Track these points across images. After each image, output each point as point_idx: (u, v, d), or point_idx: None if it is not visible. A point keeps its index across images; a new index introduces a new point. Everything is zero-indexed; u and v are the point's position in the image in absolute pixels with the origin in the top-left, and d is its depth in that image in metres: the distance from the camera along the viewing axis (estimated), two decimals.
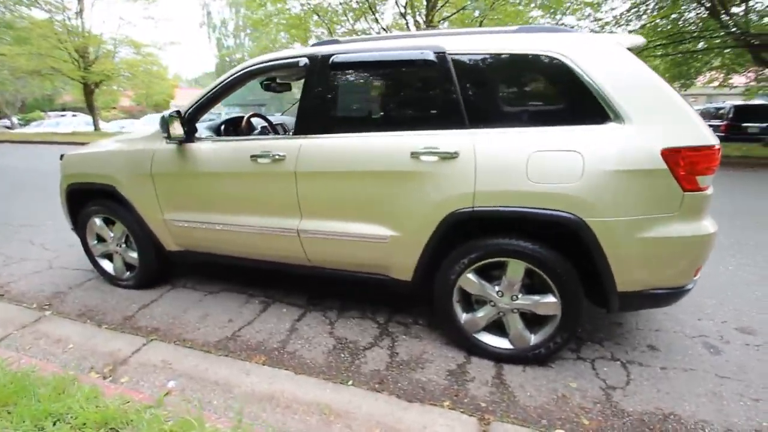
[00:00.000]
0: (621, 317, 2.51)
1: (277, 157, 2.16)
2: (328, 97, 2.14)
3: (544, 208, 1.74)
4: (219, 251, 2.60)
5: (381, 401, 1.84)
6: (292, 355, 2.19)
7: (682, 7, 10.42)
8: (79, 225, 2.93)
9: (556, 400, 1.84)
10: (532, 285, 1.95)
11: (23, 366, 1.98)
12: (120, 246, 2.89)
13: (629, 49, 1.77)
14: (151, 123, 16.66)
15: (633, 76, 1.70)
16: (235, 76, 2.35)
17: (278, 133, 3.15)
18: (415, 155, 1.91)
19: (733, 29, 9.39)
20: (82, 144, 4.33)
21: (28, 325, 2.47)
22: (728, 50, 10.75)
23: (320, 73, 2.13)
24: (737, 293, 2.84)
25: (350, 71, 2.13)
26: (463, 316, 2.09)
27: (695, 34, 10.75)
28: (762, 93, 13.19)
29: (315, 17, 12.34)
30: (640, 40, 1.82)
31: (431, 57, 1.92)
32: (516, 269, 1.90)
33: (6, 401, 1.70)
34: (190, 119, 2.42)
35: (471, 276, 2.00)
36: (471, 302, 2.11)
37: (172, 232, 2.61)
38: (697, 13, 10.59)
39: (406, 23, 11.88)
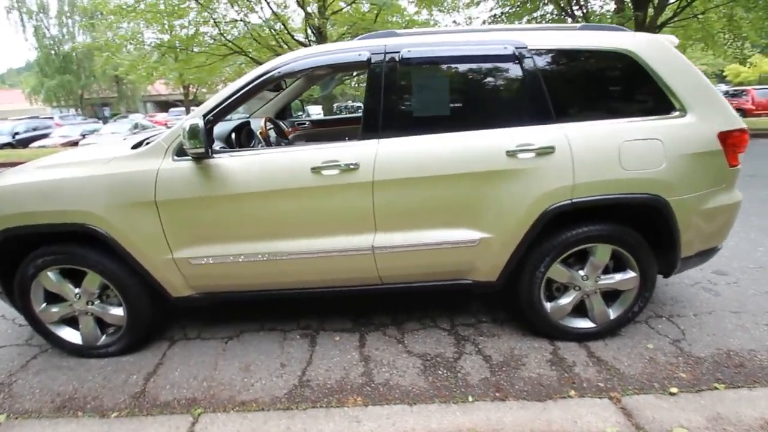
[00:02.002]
0: None
1: (350, 166, 1.86)
2: (402, 94, 1.92)
3: (636, 193, 1.89)
4: (255, 287, 2.14)
5: (517, 408, 1.79)
6: (388, 386, 1.96)
7: None
8: (17, 287, 2.07)
9: (649, 363, 2.05)
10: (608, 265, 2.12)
11: None
12: (91, 303, 2.15)
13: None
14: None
15: (686, 70, 1.95)
16: (271, 74, 1.93)
17: (282, 140, 2.71)
18: (510, 153, 1.87)
19: None
20: None
21: None
22: None
23: (389, 68, 1.90)
24: None
25: (425, 66, 1.94)
26: (548, 306, 2.15)
27: None
28: None
29: (193, 4, 10.79)
30: (676, 40, 2.09)
31: (515, 52, 1.88)
32: (603, 252, 2.03)
33: None
34: (209, 129, 1.90)
35: (560, 266, 2.07)
36: (551, 291, 2.18)
37: (188, 273, 2.05)
38: None
39: (306, 15, 11.26)
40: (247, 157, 1.95)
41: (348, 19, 12.22)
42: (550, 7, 12.38)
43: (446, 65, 1.95)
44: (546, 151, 1.86)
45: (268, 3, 11.33)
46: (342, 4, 11.77)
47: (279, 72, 1.95)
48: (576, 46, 1.92)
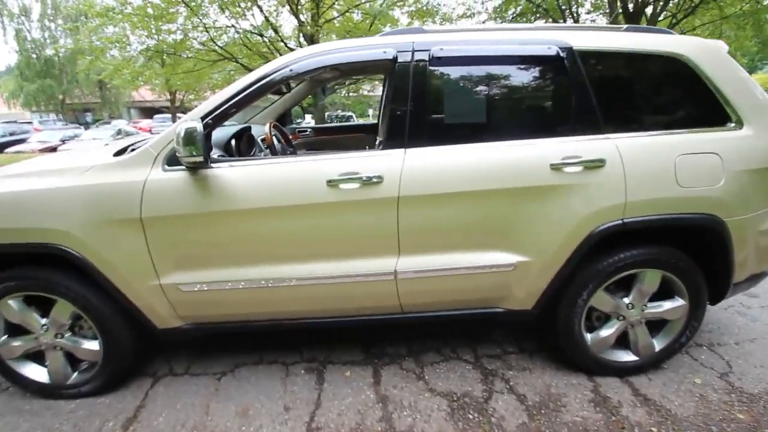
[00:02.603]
0: None
1: (373, 180, 1.61)
2: (432, 98, 1.69)
3: (692, 213, 1.69)
4: (256, 317, 1.85)
5: None
6: None
7: None
8: None
9: (701, 402, 1.82)
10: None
11: None
12: (61, 336, 1.83)
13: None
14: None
15: (741, 78, 1.77)
16: (278, 74, 1.67)
17: (290, 149, 2.44)
18: (555, 167, 1.65)
19: None
20: None
21: None
22: None
23: (417, 68, 1.66)
24: None
25: (457, 67, 1.72)
26: (589, 337, 1.92)
27: None
28: None
29: (182, 8, 10.48)
30: (726, 46, 1.92)
31: (559, 53, 1.68)
32: (653, 278, 1.82)
33: None
34: (207, 134, 1.63)
35: (603, 293, 1.84)
36: (591, 320, 1.95)
37: (177, 301, 1.75)
38: None
39: (299, 23, 11.05)
40: (251, 167, 1.68)
41: (340, 29, 12.08)
42: (541, 23, 12.51)
43: (482, 66, 1.72)
44: (595, 165, 1.65)
45: (260, 9, 11.10)
46: (335, 14, 11.62)
47: (289, 72, 1.70)
48: (625, 48, 1.72)
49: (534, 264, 1.74)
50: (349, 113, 20.70)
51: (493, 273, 1.76)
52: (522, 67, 1.75)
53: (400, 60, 1.67)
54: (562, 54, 1.68)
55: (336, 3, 11.44)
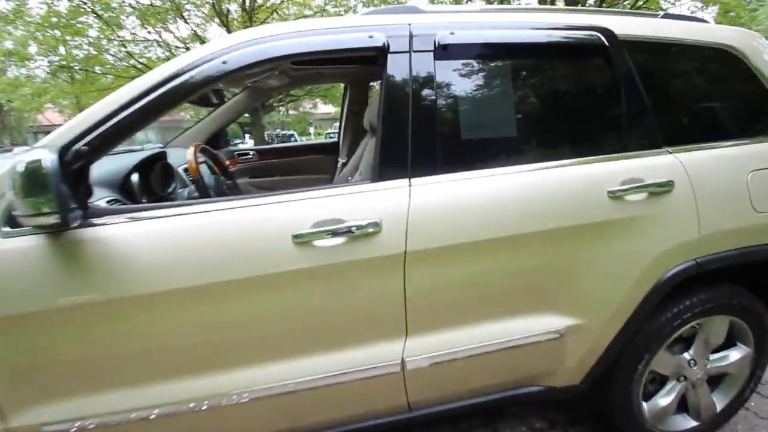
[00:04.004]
0: None
1: (366, 230, 1.04)
2: (441, 105, 1.17)
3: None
4: None
5: None
6: None
7: None
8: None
9: None
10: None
11: None
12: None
13: None
14: None
15: None
16: (207, 67, 1.04)
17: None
18: (614, 195, 1.20)
19: None
20: None
21: None
22: None
23: (420, 61, 1.14)
24: None
25: (474, 60, 1.21)
26: (646, 407, 1.49)
27: None
28: None
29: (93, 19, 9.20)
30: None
31: (603, 42, 1.25)
32: (721, 327, 1.43)
33: None
34: (79, 170, 0.96)
35: (664, 352, 1.42)
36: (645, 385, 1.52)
37: None
38: None
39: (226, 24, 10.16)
40: (164, 221, 1.03)
41: None
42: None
43: (507, 60, 1.24)
44: (663, 190, 1.23)
45: (185, 21, 10.12)
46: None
47: (220, 66, 1.07)
48: (675, 39, 1.35)
49: (588, 328, 1.27)
50: (290, 132, 19.81)
51: (535, 345, 1.26)
52: (559, 60, 1.30)
53: (393, 49, 1.13)
54: (606, 43, 1.25)
55: (271, 17, 10.79)
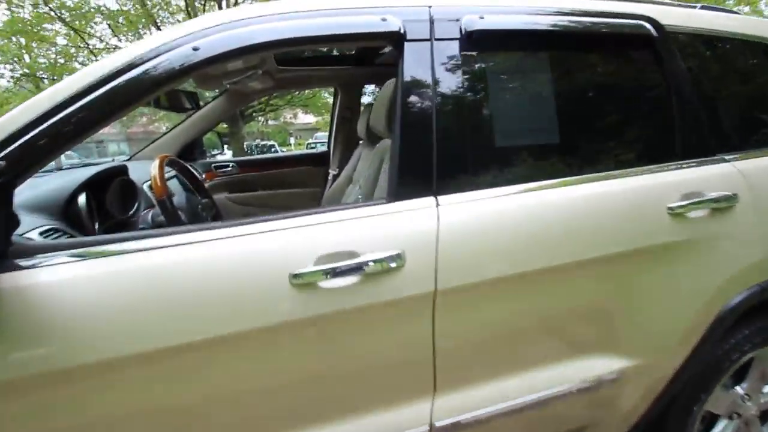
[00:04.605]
0: None
1: (384, 263, 0.81)
2: (471, 105, 0.95)
3: None
4: None
5: None
6: None
7: None
8: None
9: None
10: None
11: None
12: None
13: None
14: None
15: None
16: (174, 55, 0.79)
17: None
18: (675, 212, 1.01)
19: None
20: None
21: None
22: None
23: (444, 51, 0.92)
24: None
25: (508, 51, 1.00)
26: None
27: None
28: None
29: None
30: None
31: (651, 32, 1.07)
32: None
33: None
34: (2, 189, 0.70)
35: (720, 389, 1.24)
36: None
37: None
38: None
39: None
40: (119, 259, 0.77)
41: None
42: None
43: (545, 51, 1.04)
44: (726, 205, 1.05)
45: (158, 28, 9.73)
46: None
47: (189, 54, 0.81)
48: (724, 31, 1.18)
49: (645, 369, 1.07)
50: (271, 142, 19.37)
51: (586, 392, 1.04)
52: (603, 52, 1.11)
53: (411, 36, 0.92)
54: (655, 34, 1.07)
55: None
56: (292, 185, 2.47)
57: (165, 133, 2.05)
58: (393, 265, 0.81)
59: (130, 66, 0.78)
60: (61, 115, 0.73)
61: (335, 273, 0.79)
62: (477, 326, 0.92)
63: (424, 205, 0.89)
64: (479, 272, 0.88)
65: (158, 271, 0.76)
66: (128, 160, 2.02)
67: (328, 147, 2.59)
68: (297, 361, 0.83)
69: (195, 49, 0.81)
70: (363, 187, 1.59)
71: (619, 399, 1.09)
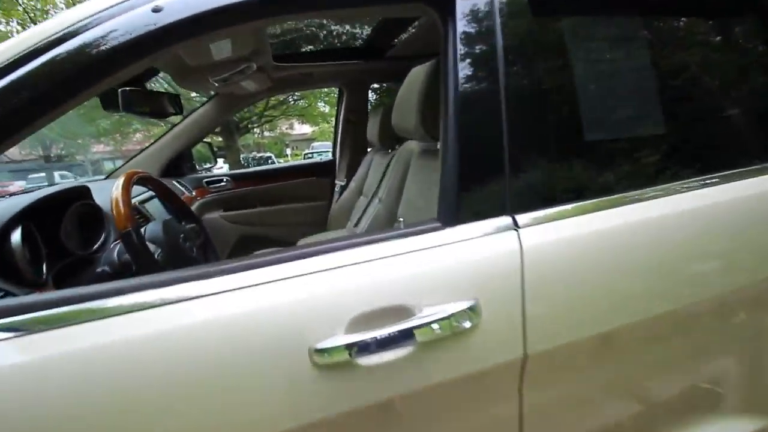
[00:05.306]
0: None
1: (457, 322, 0.53)
2: (548, 90, 0.68)
3: None
4: None
5: None
6: None
7: None
8: None
9: None
10: None
11: None
12: None
13: None
14: None
15: None
16: (117, 26, 0.53)
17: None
18: None
19: None
20: None
21: None
22: None
23: (508, 17, 0.65)
24: None
25: (589, 15, 0.73)
26: None
27: None
28: None
29: None
30: None
31: None
32: None
33: None
34: None
35: None
36: None
37: None
38: None
39: None
40: (66, 333, 0.49)
41: None
42: None
43: (640, 16, 0.76)
44: None
45: None
46: None
47: (134, 25, 0.52)
48: None
49: None
50: (268, 154, 19.13)
51: None
52: (709, 18, 0.84)
53: (461, 6, 0.65)
54: None
55: None
56: (295, 199, 2.20)
57: (146, 147, 1.78)
58: (466, 325, 0.54)
59: (69, 34, 0.51)
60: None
61: (379, 344, 0.51)
62: (583, 394, 0.64)
63: (496, 227, 0.61)
64: (590, 323, 0.61)
65: (115, 349, 0.48)
66: (106, 178, 1.75)
67: (333, 155, 2.33)
68: None
69: (156, 10, 0.54)
70: (383, 202, 1.32)
71: None
